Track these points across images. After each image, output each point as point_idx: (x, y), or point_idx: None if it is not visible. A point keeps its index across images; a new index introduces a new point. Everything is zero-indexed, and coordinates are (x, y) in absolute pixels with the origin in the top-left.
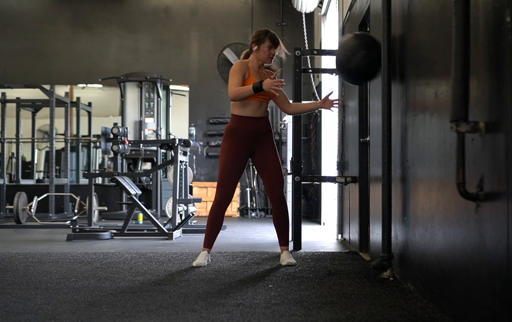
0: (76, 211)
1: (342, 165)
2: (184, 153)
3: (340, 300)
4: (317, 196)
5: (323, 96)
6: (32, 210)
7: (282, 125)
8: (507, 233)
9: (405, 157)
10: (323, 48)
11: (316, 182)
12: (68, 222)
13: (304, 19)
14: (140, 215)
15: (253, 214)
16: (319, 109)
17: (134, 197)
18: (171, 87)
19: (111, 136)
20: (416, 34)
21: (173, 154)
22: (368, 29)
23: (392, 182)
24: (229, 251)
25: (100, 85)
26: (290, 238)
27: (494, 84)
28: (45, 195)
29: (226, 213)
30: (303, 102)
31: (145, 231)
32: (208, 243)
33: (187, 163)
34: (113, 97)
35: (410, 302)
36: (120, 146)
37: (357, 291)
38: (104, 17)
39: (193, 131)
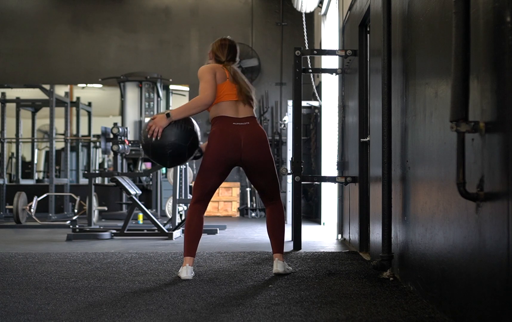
0: (76, 211)
1: (342, 165)
2: None
3: (340, 300)
4: (317, 196)
5: (323, 96)
6: (32, 210)
7: (282, 125)
8: (507, 233)
9: (405, 157)
10: (323, 48)
11: (316, 182)
12: (68, 222)
13: (304, 19)
14: (140, 215)
15: (253, 214)
16: None
17: (134, 197)
18: (171, 87)
19: (111, 136)
20: (416, 33)
21: None
22: (368, 29)
23: (392, 182)
24: (229, 251)
25: (100, 85)
26: (290, 239)
27: (494, 84)
28: (45, 195)
29: (226, 213)
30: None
31: (145, 231)
32: (188, 251)
33: (187, 163)
34: (113, 97)
35: (410, 302)
36: (120, 146)
37: (357, 291)
38: (104, 17)
39: None
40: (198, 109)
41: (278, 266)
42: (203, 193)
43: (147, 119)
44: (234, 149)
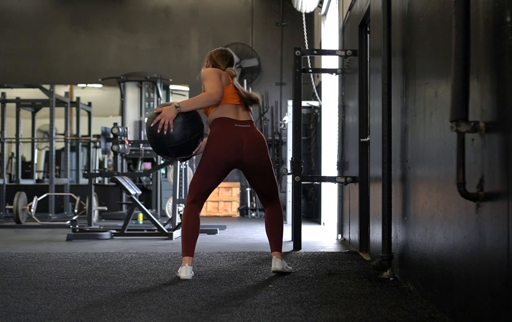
0: (76, 211)
1: (342, 165)
2: None
3: (340, 300)
4: (317, 196)
5: (323, 96)
6: (32, 210)
7: (282, 125)
8: (507, 233)
9: (405, 157)
10: (323, 48)
11: (316, 182)
12: (68, 222)
13: (304, 19)
14: (140, 215)
15: (253, 214)
16: None
17: (134, 197)
18: (171, 87)
19: (111, 136)
20: (416, 33)
21: None
22: (368, 29)
23: (392, 182)
24: (229, 251)
25: (100, 85)
26: (289, 239)
27: (494, 84)
28: (45, 195)
29: (226, 213)
30: None
31: (145, 231)
32: (187, 251)
33: (187, 163)
34: (113, 97)
35: (410, 302)
36: (120, 146)
37: (357, 291)
38: (104, 17)
39: None
40: (208, 103)
41: (276, 263)
42: (200, 192)
43: (147, 119)
44: (236, 151)
